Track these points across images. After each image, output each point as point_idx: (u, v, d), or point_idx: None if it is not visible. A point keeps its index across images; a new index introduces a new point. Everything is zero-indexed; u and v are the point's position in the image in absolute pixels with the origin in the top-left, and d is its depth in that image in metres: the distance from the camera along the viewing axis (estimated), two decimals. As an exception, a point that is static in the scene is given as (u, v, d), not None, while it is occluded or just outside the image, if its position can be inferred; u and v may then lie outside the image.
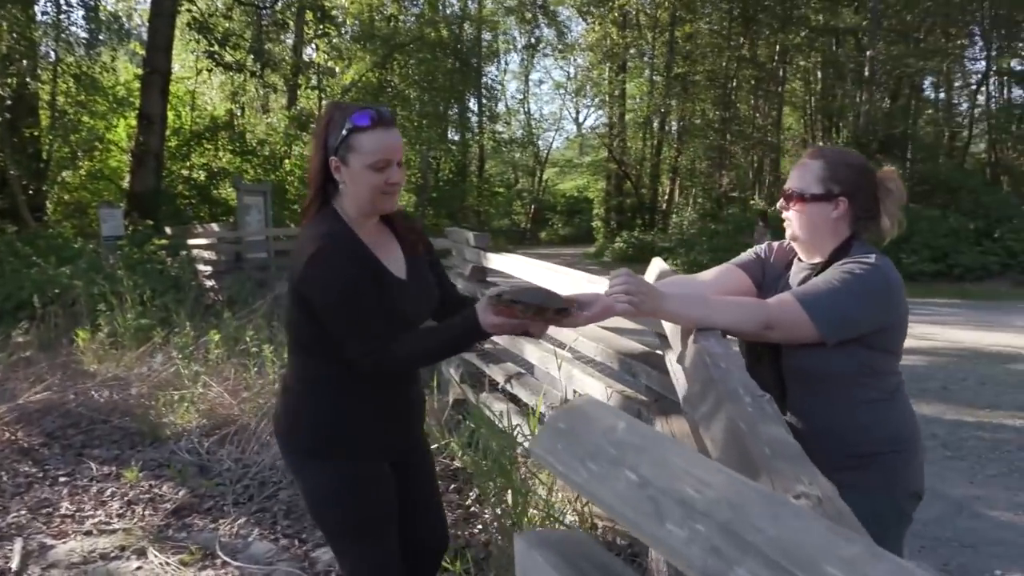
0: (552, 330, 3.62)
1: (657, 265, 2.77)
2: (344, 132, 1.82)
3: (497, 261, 4.38)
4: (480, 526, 3.51)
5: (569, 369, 3.31)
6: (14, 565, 3.25)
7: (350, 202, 1.89)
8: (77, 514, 3.78)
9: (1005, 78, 28.72)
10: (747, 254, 2.11)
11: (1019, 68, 27.95)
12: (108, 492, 4.00)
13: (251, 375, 5.48)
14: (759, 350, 1.90)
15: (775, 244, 2.09)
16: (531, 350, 3.82)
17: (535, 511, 3.16)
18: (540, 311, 1.76)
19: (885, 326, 1.78)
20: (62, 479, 4.19)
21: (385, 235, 2.02)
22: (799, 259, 1.99)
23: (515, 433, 3.20)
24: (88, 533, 3.56)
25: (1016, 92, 29.39)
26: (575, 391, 3.35)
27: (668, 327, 2.08)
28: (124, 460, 4.44)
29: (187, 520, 3.68)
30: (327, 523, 2.02)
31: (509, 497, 3.14)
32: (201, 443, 4.59)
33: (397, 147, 1.85)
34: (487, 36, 37.00)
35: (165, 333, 6.71)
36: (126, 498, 3.91)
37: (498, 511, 3.33)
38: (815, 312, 1.71)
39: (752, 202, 25.38)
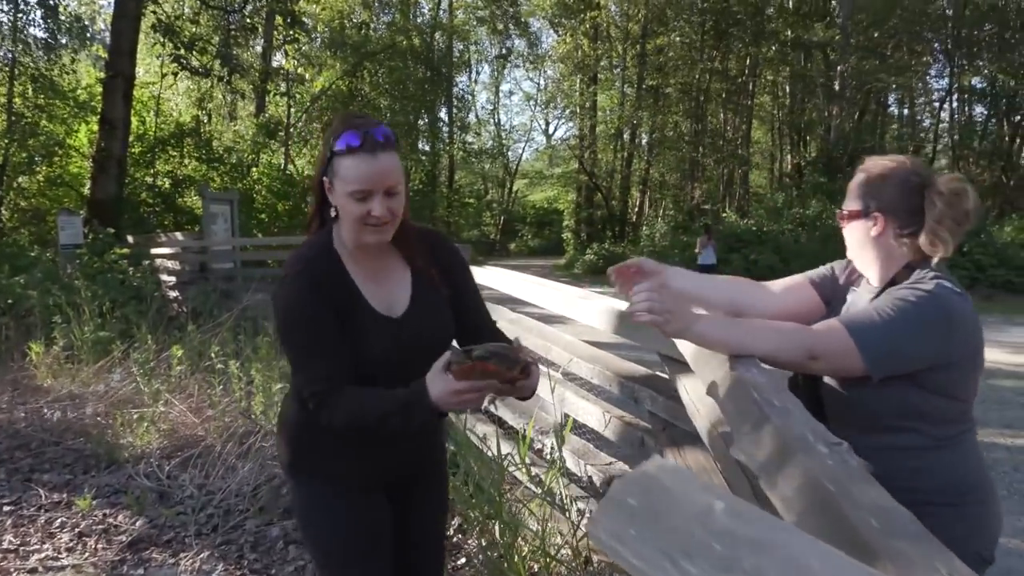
0: (541, 349, 3.40)
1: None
2: (328, 153, 1.63)
3: (479, 276, 4.13)
4: (464, 558, 3.26)
5: (562, 392, 3.09)
6: (-52, 609, 2.94)
7: (343, 227, 1.70)
8: (21, 548, 3.45)
9: (967, 95, 29.30)
10: (823, 269, 1.90)
11: (980, 86, 28.52)
12: (57, 523, 3.68)
13: (216, 392, 5.18)
14: (796, 374, 1.70)
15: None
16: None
17: (524, 544, 2.93)
18: (511, 364, 1.50)
19: (940, 364, 1.55)
20: (6, 508, 3.86)
21: (391, 262, 1.80)
22: (867, 281, 1.78)
23: (505, 462, 2.97)
24: (33, 571, 3.24)
25: (977, 109, 30.01)
26: (566, 415, 3.12)
27: (687, 348, 1.87)
28: (76, 486, 4.12)
29: (144, 554, 3.38)
30: (306, 543, 1.91)
31: (496, 529, 2.91)
32: (161, 467, 4.28)
33: (384, 175, 1.60)
34: (458, 46, 36.83)
35: (125, 347, 6.37)
36: (77, 529, 3.60)
37: (483, 542, 3.10)
38: (864, 342, 1.50)
39: (724, 214, 25.41)
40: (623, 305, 2.72)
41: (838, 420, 1.63)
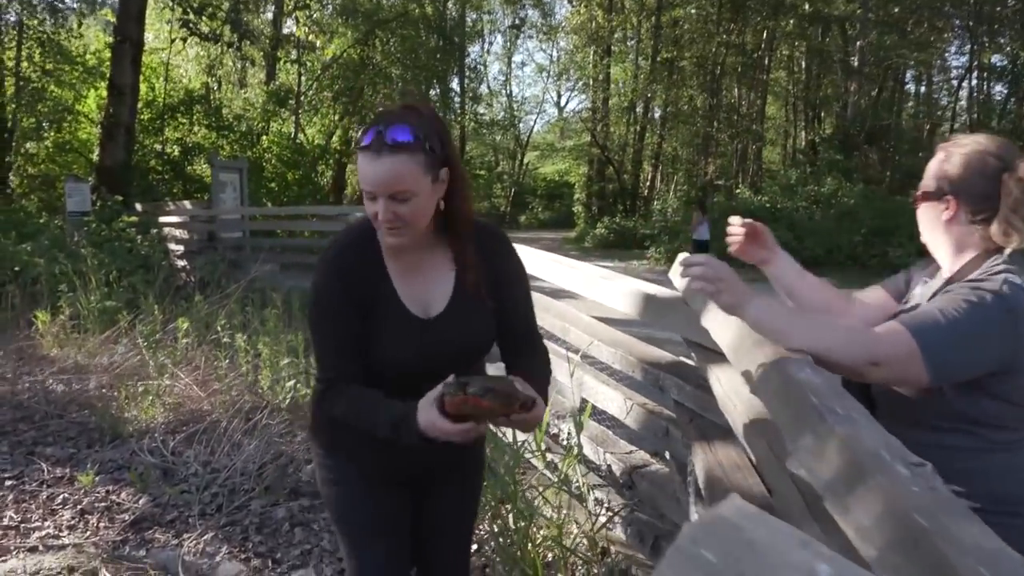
0: (559, 330, 3.27)
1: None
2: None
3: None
4: (474, 545, 3.15)
5: (581, 376, 2.96)
6: (-55, 588, 2.86)
7: None
8: (22, 525, 3.37)
9: (986, 73, 28.76)
10: (899, 274, 1.76)
11: (1000, 64, 27.97)
12: (59, 499, 3.60)
13: (223, 366, 5.09)
14: None
15: None
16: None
17: (539, 531, 2.83)
18: (508, 401, 1.43)
19: (1005, 369, 1.41)
20: (8, 482, 3.78)
21: (435, 258, 1.69)
22: (939, 272, 1.63)
23: (521, 449, 2.85)
24: (33, 549, 3.16)
25: (996, 87, 29.47)
26: (584, 400, 3.00)
27: (724, 337, 1.73)
28: (79, 461, 4.03)
29: (147, 534, 3.29)
30: (328, 513, 1.94)
31: (511, 517, 2.80)
32: (166, 442, 4.19)
33: (384, 180, 1.50)
34: (471, 15, 36.34)
35: (131, 317, 6.27)
36: (79, 507, 3.51)
37: (495, 527, 2.99)
38: (928, 346, 1.35)
39: (737, 190, 25.09)
40: (647, 287, 2.59)
41: (892, 416, 1.50)
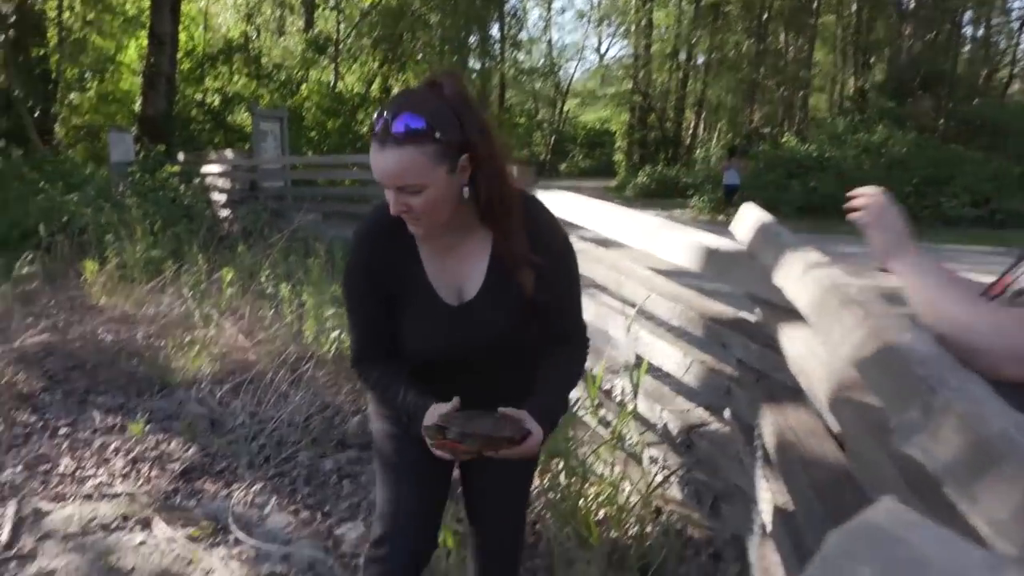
0: (613, 283, 3.17)
1: (753, 214, 2.30)
2: None
3: (545, 200, 3.86)
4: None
5: (636, 330, 2.86)
6: (4, 535, 2.90)
7: None
8: (77, 473, 3.42)
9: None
10: None
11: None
12: (111, 447, 3.64)
13: (268, 316, 5.09)
14: None
15: None
16: (588, 305, 3.35)
17: (591, 488, 2.77)
18: (489, 443, 1.47)
19: None
20: (62, 431, 3.83)
21: (471, 241, 1.61)
22: None
23: (574, 407, 2.78)
24: (88, 497, 3.20)
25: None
26: (640, 355, 2.91)
27: (805, 295, 1.61)
28: (130, 410, 4.07)
29: (196, 484, 3.31)
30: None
31: (563, 476, 2.74)
32: (213, 392, 4.21)
33: (387, 171, 1.43)
34: (511, -41, 35.49)
35: (176, 266, 6.31)
36: (131, 455, 3.55)
37: (545, 482, 2.95)
38: None
39: (783, 139, 24.43)
40: (711, 238, 2.46)
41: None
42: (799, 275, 1.71)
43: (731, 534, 2.37)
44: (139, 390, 4.37)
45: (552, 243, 1.61)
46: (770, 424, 1.89)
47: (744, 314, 2.48)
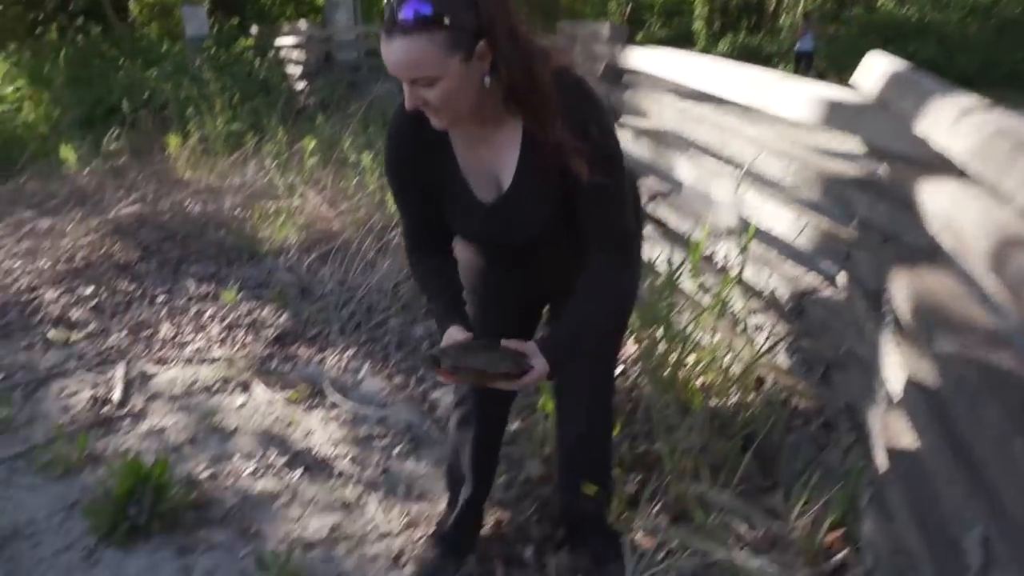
0: (716, 143, 2.95)
1: (881, 62, 2.04)
2: None
3: (640, 57, 3.60)
4: (620, 367, 3.01)
5: (744, 192, 2.66)
6: (116, 394, 3.00)
7: None
8: (177, 338, 3.50)
9: None
10: None
11: None
12: (207, 314, 3.70)
13: (351, 186, 5.03)
14: None
15: None
16: (685, 165, 3.16)
17: (690, 356, 2.67)
18: (482, 377, 1.52)
19: None
20: (160, 298, 3.92)
21: (502, 131, 1.48)
22: None
23: (676, 276, 2.64)
24: (189, 361, 3.28)
25: None
26: (746, 219, 2.72)
27: (961, 144, 1.40)
28: (222, 278, 4.13)
29: (291, 350, 3.35)
30: None
31: (661, 344, 2.64)
32: (301, 261, 4.22)
33: (395, 63, 1.32)
34: None
35: (256, 139, 6.29)
36: (225, 322, 3.61)
37: (640, 350, 2.86)
38: None
39: (879, 2, 22.54)
40: (832, 90, 2.22)
41: None
42: (951, 122, 1.50)
43: (844, 403, 2.24)
44: (229, 259, 4.42)
45: (589, 130, 1.43)
46: (903, 288, 1.71)
47: (867, 172, 2.26)
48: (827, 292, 2.41)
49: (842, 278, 2.34)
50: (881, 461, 1.93)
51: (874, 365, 1.98)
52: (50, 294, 3.98)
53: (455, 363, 1.49)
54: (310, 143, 5.35)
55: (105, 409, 2.92)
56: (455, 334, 1.56)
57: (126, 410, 2.92)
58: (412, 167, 1.55)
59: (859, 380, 2.14)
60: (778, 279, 2.55)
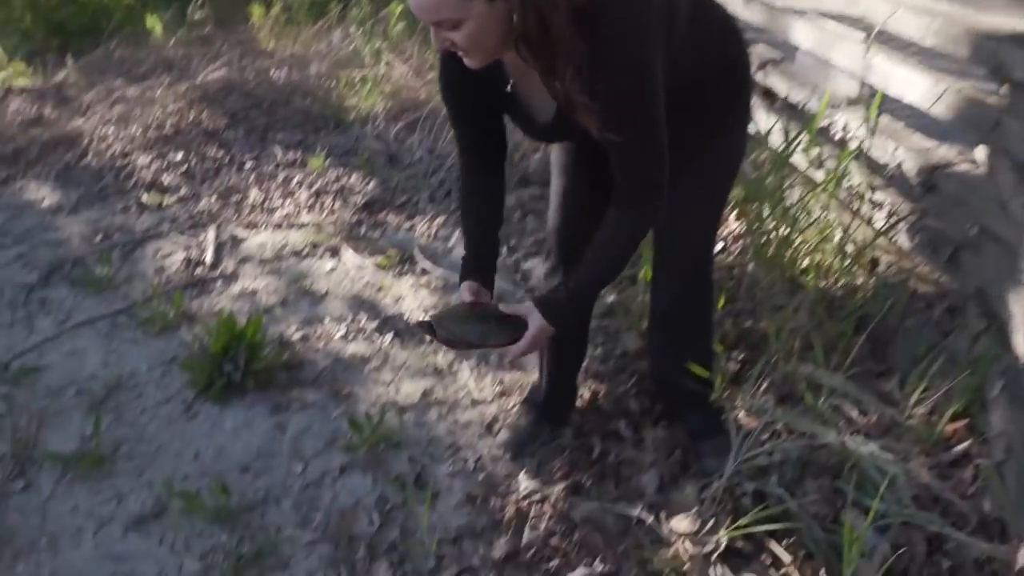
0: (846, 4, 2.67)
1: None
2: None
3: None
4: (720, 242, 2.84)
5: (872, 56, 2.41)
6: (208, 256, 3.03)
7: None
8: (266, 204, 3.50)
9: None
10: None
11: None
12: (295, 181, 3.67)
13: (437, 55, 4.85)
14: None
15: None
16: (802, 28, 2.89)
17: (799, 235, 2.50)
18: (471, 347, 1.66)
19: None
20: (248, 165, 3.90)
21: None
22: None
23: (789, 148, 2.44)
24: (278, 226, 3.28)
25: None
26: (872, 86, 2.47)
27: None
28: (309, 145, 4.08)
29: (379, 217, 3.31)
30: None
31: (768, 221, 2.47)
32: (388, 129, 4.13)
33: (421, 8, 1.26)
34: None
35: (341, 6, 6.11)
36: (313, 188, 3.57)
37: (744, 225, 2.71)
38: None
39: None
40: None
41: None
42: None
43: (975, 287, 2.07)
44: (315, 127, 4.36)
45: (597, 90, 1.30)
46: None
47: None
48: (963, 166, 2.19)
49: (981, 151, 2.12)
50: (1020, 349, 1.78)
51: (1019, 246, 1.80)
52: (142, 159, 4.00)
53: (448, 335, 1.53)
54: (396, 9, 5.16)
55: (198, 270, 2.96)
56: (464, 291, 1.63)
57: (218, 272, 2.95)
58: (461, 88, 1.54)
59: (996, 262, 1.96)
60: (905, 152, 2.32)
